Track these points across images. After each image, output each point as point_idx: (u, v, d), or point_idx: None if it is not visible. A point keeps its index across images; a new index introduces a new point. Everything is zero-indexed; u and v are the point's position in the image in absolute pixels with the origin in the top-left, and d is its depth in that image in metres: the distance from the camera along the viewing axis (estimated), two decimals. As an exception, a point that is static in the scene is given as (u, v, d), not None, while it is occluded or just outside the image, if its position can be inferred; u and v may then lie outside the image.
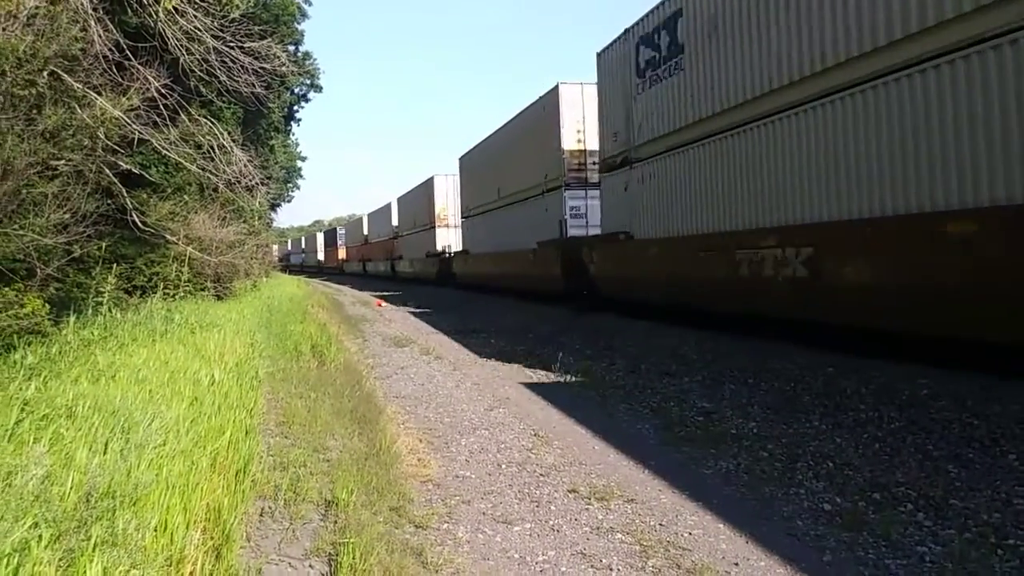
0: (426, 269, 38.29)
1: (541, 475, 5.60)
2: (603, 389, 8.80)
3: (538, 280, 20.95)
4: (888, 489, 4.92)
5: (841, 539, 4.18)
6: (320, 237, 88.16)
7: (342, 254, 71.22)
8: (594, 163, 18.21)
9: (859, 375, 8.20)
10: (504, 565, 4.02)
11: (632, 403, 8.01)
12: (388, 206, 49.93)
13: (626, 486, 5.27)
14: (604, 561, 4.00)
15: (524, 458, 6.08)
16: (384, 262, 50.84)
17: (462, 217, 32.41)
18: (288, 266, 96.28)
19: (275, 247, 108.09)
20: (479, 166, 29.12)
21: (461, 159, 32.25)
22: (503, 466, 5.88)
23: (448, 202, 35.62)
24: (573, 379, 9.61)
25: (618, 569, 3.91)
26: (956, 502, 4.62)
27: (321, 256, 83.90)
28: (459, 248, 33.46)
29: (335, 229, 78.73)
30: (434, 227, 36.54)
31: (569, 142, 19.47)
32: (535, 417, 7.59)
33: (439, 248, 35.90)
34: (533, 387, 9.21)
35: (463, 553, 4.13)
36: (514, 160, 23.96)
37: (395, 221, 47.13)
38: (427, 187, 38.16)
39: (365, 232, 60.15)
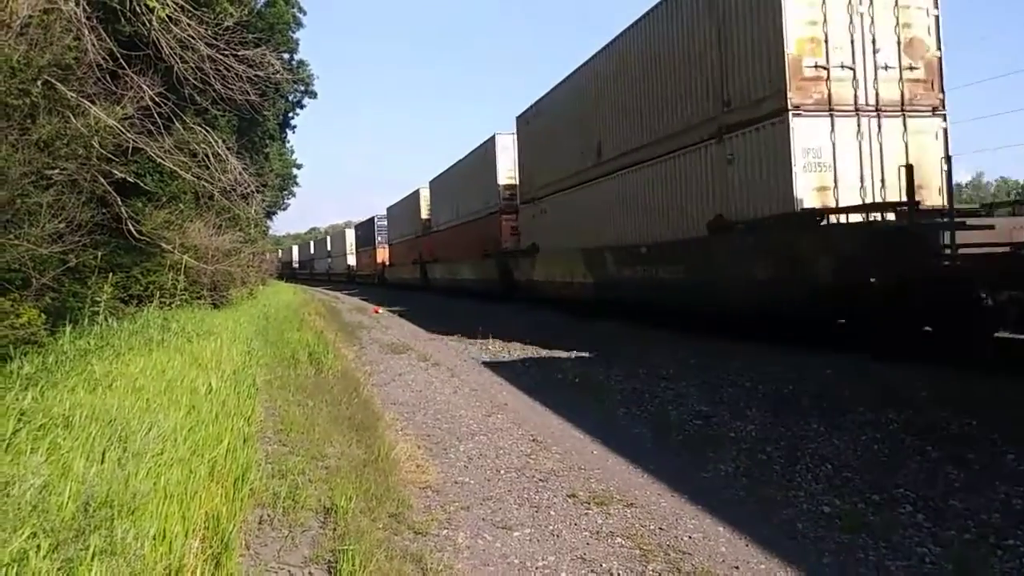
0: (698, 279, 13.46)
1: (540, 480, 5.59)
2: (601, 394, 8.79)
3: None
4: (887, 491, 4.92)
5: (841, 541, 4.18)
6: (350, 235, 65.64)
7: (383, 256, 51.23)
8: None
9: (857, 378, 8.21)
10: (504, 571, 4.01)
11: (630, 407, 8.00)
12: (483, 151, 27.83)
13: (625, 490, 5.26)
14: (604, 566, 3.99)
15: (523, 463, 6.07)
16: (474, 264, 29.24)
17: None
18: (313, 274, 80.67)
19: (295, 248, 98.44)
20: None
21: None
22: (502, 472, 5.87)
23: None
24: (571, 384, 9.60)
25: (618, 573, 3.90)
26: (955, 503, 4.62)
27: (352, 260, 63.28)
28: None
29: (371, 220, 55.38)
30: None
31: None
32: (533, 422, 7.58)
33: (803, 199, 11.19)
34: (531, 392, 9.20)
35: (463, 559, 4.12)
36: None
37: (503, 176, 26.06)
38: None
39: (425, 214, 38.44)
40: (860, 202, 11.10)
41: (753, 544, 4.22)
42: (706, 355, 10.77)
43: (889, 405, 7.02)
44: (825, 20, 11.32)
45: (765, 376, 8.89)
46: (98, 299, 9.35)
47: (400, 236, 45.45)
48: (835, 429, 6.50)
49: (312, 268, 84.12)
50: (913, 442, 5.94)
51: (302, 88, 27.71)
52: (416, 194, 40.64)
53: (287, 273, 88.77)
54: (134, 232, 11.36)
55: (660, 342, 12.70)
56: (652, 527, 4.55)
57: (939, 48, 11.71)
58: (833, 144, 11.33)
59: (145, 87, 9.97)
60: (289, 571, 3.58)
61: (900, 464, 5.46)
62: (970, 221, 10.40)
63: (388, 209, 50.68)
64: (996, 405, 6.63)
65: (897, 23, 11.51)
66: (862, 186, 11.40)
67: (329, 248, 76.57)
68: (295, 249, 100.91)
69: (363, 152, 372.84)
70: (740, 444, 6.26)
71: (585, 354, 12.10)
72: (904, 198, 10.61)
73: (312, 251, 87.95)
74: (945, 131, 11.70)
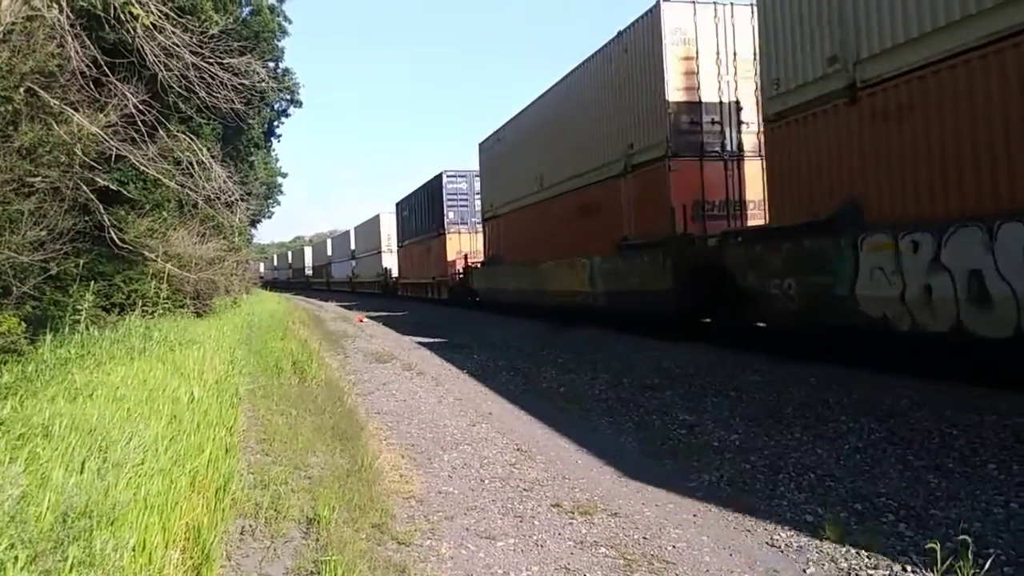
0: None
1: (524, 490, 5.58)
2: (586, 403, 8.80)
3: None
4: (869, 500, 4.94)
5: (823, 550, 4.20)
6: (387, 221, 42.25)
7: (459, 248, 29.58)
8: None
9: (840, 387, 8.25)
10: (488, 581, 3.99)
11: (615, 417, 8.01)
12: None
13: (609, 500, 5.26)
14: (588, 576, 3.99)
15: (507, 473, 6.06)
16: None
17: None
18: (330, 284, 60.99)
19: (307, 252, 76.88)
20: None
21: None
22: (486, 481, 5.86)
23: None
24: (556, 393, 9.60)
25: (602, 583, 3.90)
26: (937, 512, 4.65)
27: (389, 260, 41.88)
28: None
29: (436, 184, 31.44)
30: None
31: None
32: (518, 432, 7.57)
33: None
34: (516, 401, 9.19)
35: (446, 569, 4.10)
36: None
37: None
38: None
39: (603, 125, 15.47)
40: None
41: (736, 553, 4.24)
42: (690, 365, 10.79)
43: (871, 414, 7.07)
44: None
45: (749, 385, 8.92)
46: (79, 307, 9.25)
47: (509, 199, 22.10)
48: (818, 438, 6.54)
49: (329, 275, 62.17)
50: (895, 451, 5.98)
51: (287, 97, 27.67)
52: (569, 69, 17.67)
53: (299, 283, 74.83)
54: (117, 240, 11.28)
55: (643, 351, 12.72)
56: (636, 537, 4.55)
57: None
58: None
59: (129, 94, 9.90)
60: (271, 582, 3.55)
61: (882, 473, 5.49)
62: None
63: (481, 145, 25.24)
64: (976, 414, 6.68)
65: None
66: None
67: (353, 245, 52.12)
68: (308, 252, 78.40)
69: (348, 161, 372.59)
70: (724, 453, 6.28)
71: (570, 363, 12.10)
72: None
73: (330, 252, 62.25)
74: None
